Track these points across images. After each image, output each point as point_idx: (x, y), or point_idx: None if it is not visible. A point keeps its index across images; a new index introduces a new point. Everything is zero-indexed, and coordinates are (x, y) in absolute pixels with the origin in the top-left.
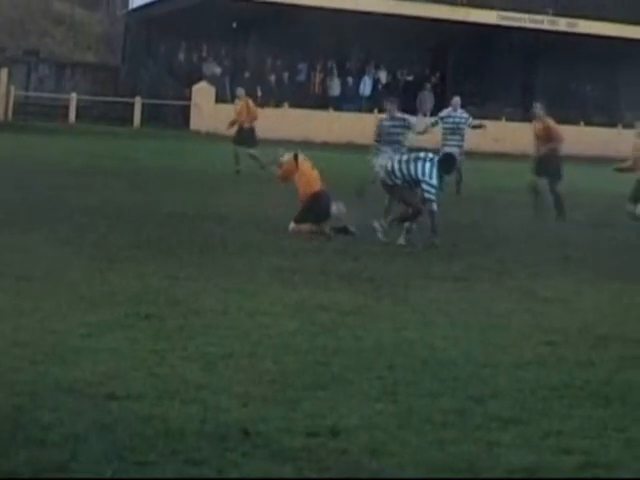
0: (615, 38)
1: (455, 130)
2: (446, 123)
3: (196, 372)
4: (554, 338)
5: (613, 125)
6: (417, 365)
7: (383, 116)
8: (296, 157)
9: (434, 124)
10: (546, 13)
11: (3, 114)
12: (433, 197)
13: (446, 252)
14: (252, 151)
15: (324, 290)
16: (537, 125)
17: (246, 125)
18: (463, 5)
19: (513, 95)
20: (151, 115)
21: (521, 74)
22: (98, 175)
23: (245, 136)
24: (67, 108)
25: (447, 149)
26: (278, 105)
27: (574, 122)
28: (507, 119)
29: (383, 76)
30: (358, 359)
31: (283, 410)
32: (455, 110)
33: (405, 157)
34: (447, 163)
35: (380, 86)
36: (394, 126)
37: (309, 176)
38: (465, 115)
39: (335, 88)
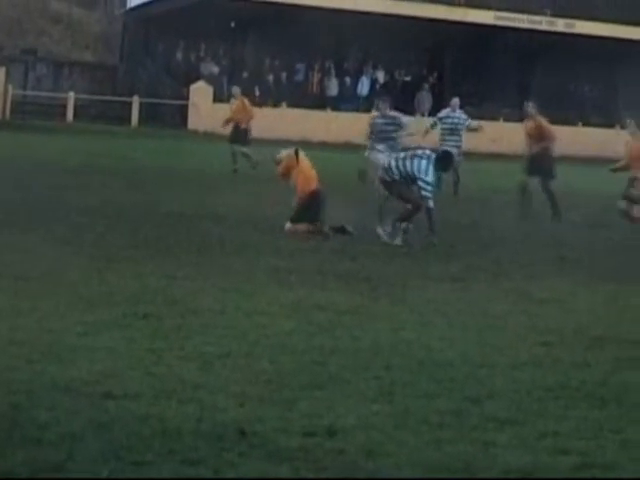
0: (613, 39)
1: (453, 131)
2: (444, 124)
3: (193, 372)
4: (550, 339)
5: (611, 126)
6: (414, 365)
7: (375, 114)
8: (297, 153)
9: (433, 125)
10: (544, 14)
11: (1, 113)
12: (429, 194)
13: (444, 252)
14: (245, 149)
15: (321, 290)
16: (529, 124)
17: (242, 125)
18: (460, 5)
19: (511, 95)
20: (149, 114)
21: (519, 74)
22: (96, 174)
23: (240, 134)
24: (65, 107)
25: (445, 149)
26: (276, 105)
27: (572, 123)
28: (505, 119)
29: (381, 76)
30: (355, 359)
31: (280, 410)
32: (454, 111)
33: (402, 154)
34: (444, 160)
35: (378, 86)
36: (386, 124)
37: (308, 174)
38: (464, 116)
39: (333, 88)
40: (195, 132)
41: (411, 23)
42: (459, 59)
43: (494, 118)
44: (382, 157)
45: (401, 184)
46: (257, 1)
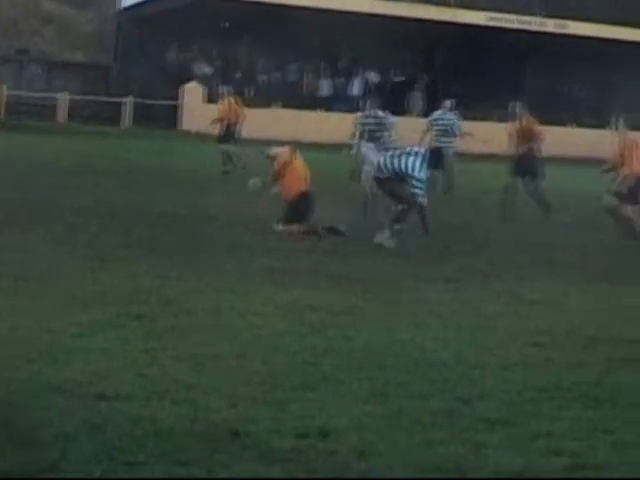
0: (605, 39)
1: (446, 132)
2: (437, 125)
3: (186, 372)
4: (542, 340)
5: (603, 126)
6: (407, 366)
7: (361, 114)
8: (294, 150)
9: (426, 132)
10: (536, 14)
11: None
12: (420, 191)
13: (437, 253)
14: (233, 149)
15: (314, 290)
16: (516, 124)
17: (232, 125)
18: (453, 6)
19: (503, 96)
20: (142, 115)
21: (511, 75)
22: (89, 175)
23: (228, 134)
24: (58, 107)
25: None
26: (268, 105)
27: (564, 123)
28: (497, 120)
29: (373, 77)
30: (348, 360)
31: (272, 411)
32: (446, 112)
33: (390, 152)
34: (434, 157)
35: (370, 87)
36: (371, 123)
37: (300, 173)
38: (456, 118)
39: (326, 88)
40: (188, 133)
41: (404, 24)
42: (451, 60)
43: (486, 119)
44: (372, 156)
45: (393, 182)
46: (250, 2)
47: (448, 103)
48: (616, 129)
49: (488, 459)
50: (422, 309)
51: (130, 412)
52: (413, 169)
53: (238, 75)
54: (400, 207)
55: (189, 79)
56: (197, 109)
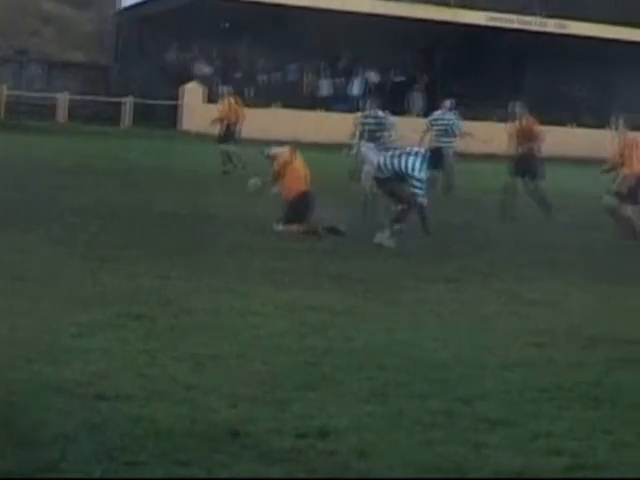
0: (605, 39)
1: (446, 132)
2: (437, 125)
3: (186, 372)
4: (543, 340)
5: (603, 126)
6: (407, 366)
7: (361, 114)
8: (294, 150)
9: (427, 132)
10: (536, 14)
11: None
12: (421, 191)
13: (437, 253)
14: (233, 149)
15: (315, 290)
16: (516, 124)
17: (232, 127)
18: (451, 6)
19: (503, 96)
20: (142, 115)
21: (511, 75)
22: (89, 175)
23: (228, 134)
24: (58, 107)
25: (436, 147)
26: (268, 105)
27: (564, 123)
28: (497, 120)
29: (374, 76)
30: (348, 360)
31: (272, 411)
32: (446, 112)
33: (390, 152)
34: (434, 157)
35: (371, 87)
36: (371, 123)
37: (300, 173)
38: (456, 118)
39: (326, 88)
40: (188, 133)
41: (404, 24)
42: (451, 60)
43: (486, 119)
44: (372, 156)
45: (393, 182)
46: (250, 2)
47: (448, 103)
48: (616, 129)
49: (488, 459)
50: (422, 309)
51: (130, 412)
52: (413, 169)
53: (238, 75)
54: (400, 207)
55: (189, 79)
56: (197, 109)
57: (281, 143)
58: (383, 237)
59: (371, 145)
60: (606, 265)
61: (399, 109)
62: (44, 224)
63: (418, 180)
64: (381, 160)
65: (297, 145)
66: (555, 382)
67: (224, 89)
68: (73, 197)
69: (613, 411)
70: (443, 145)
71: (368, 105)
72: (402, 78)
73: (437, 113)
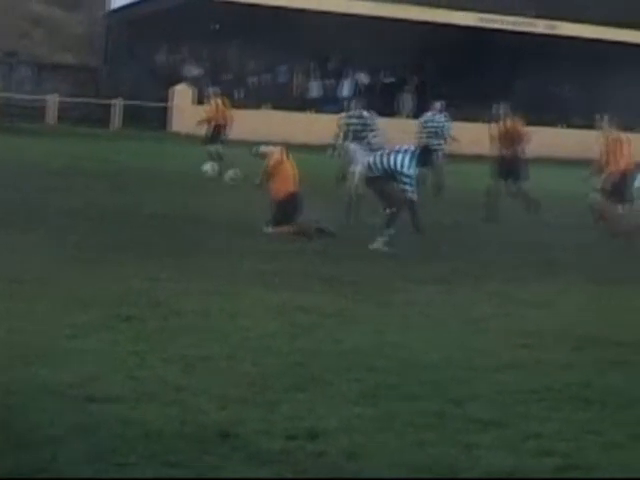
0: (596, 40)
1: (436, 134)
2: (427, 127)
3: (176, 374)
4: (533, 341)
5: (593, 127)
6: (397, 368)
7: (344, 114)
8: (285, 150)
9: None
10: (525, 15)
11: None
12: (410, 187)
13: (427, 255)
14: (219, 150)
15: (305, 292)
16: (500, 126)
17: (220, 128)
18: (443, 7)
19: (493, 97)
20: (132, 116)
21: (501, 76)
22: (79, 177)
23: (215, 135)
24: (48, 109)
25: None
26: (258, 107)
27: (554, 124)
28: (487, 121)
29: (364, 78)
30: (338, 361)
31: (262, 412)
32: (436, 114)
33: (380, 152)
34: (424, 155)
35: (361, 88)
36: (355, 123)
37: (290, 173)
38: (445, 120)
39: (316, 90)
40: (177, 134)
41: (394, 25)
42: (441, 61)
43: (476, 120)
44: (359, 156)
45: (383, 181)
46: (240, 3)
47: (438, 105)
48: (601, 128)
49: (480, 460)
50: (413, 311)
51: (120, 414)
52: (402, 165)
53: (228, 77)
54: (389, 211)
55: (179, 81)
56: (187, 111)
57: (271, 144)
58: (379, 243)
59: (357, 146)
60: (597, 266)
61: (389, 110)
62: (33, 226)
63: (407, 176)
64: (371, 159)
65: (287, 146)
66: (545, 383)
67: (211, 90)
68: (63, 199)
69: (603, 412)
70: (433, 147)
71: (353, 105)
72: (392, 79)
73: (428, 115)
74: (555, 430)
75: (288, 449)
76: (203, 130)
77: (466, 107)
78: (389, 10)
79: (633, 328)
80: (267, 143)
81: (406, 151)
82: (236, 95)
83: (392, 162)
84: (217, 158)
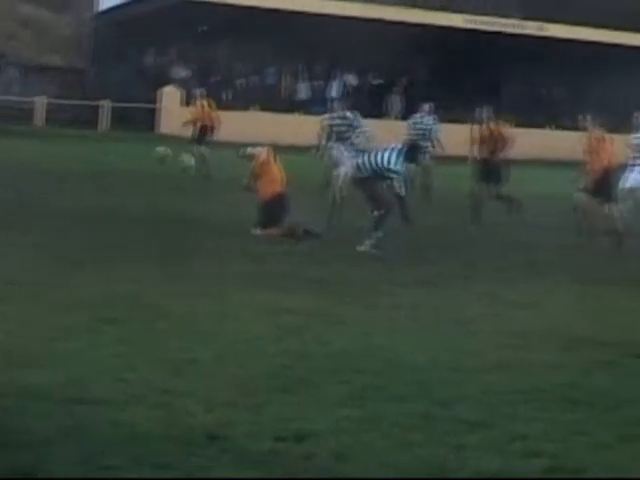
0: (584, 42)
1: (424, 136)
2: (415, 129)
3: (163, 377)
4: (520, 342)
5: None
6: (384, 369)
7: (327, 115)
8: (272, 150)
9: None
10: (514, 17)
11: None
12: (397, 183)
13: (414, 257)
14: (204, 151)
15: (291, 294)
16: (483, 129)
17: (206, 130)
18: (429, 9)
19: (481, 98)
20: (120, 118)
21: (489, 77)
22: (67, 178)
23: (201, 136)
24: (36, 111)
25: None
26: (246, 108)
27: (543, 125)
28: (476, 122)
29: (352, 79)
30: (325, 363)
31: (249, 414)
32: (425, 116)
33: (368, 152)
34: (411, 152)
35: (349, 89)
36: (338, 124)
37: (277, 174)
38: (434, 122)
39: (304, 91)
40: (165, 136)
41: (382, 26)
42: (430, 62)
43: (465, 121)
44: (345, 158)
45: (372, 181)
46: (228, 5)
47: (427, 107)
48: (585, 128)
49: (467, 461)
50: (400, 313)
51: (108, 416)
52: (389, 162)
53: (216, 78)
54: (377, 213)
55: (167, 82)
56: (175, 112)
57: (259, 146)
58: (367, 246)
59: (341, 148)
60: (583, 266)
61: (377, 112)
62: (18, 228)
63: (395, 172)
64: (359, 160)
65: (275, 148)
66: (532, 384)
67: (197, 91)
68: (50, 200)
69: (590, 413)
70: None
71: (336, 106)
72: (380, 81)
73: (416, 116)
74: (542, 431)
75: (276, 451)
76: (190, 131)
77: (455, 109)
78: (378, 11)
79: (619, 328)
80: (255, 145)
81: (393, 149)
82: (224, 97)
83: (379, 160)
84: (200, 159)
